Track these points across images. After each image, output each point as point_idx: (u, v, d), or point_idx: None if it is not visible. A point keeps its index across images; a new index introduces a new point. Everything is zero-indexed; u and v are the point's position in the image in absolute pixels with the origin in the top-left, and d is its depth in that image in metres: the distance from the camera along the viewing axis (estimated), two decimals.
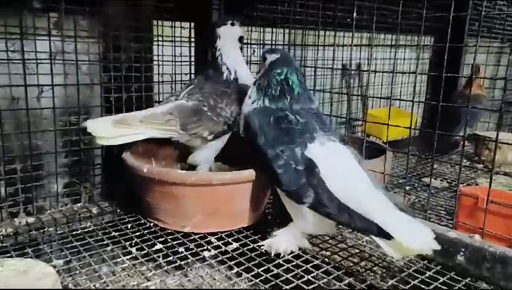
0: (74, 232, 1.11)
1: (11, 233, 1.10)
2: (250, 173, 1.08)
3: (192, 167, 1.29)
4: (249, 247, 1.07)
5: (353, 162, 1.00)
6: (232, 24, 1.30)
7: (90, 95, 1.35)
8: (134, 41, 1.39)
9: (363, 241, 1.12)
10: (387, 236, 0.83)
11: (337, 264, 1.00)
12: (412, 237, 0.83)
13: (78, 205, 1.30)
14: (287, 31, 1.61)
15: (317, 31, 1.45)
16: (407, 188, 1.54)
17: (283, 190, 0.99)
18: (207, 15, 1.51)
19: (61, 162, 1.35)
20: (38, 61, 1.19)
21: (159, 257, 1.00)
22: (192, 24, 1.54)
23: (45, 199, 1.32)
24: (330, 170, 0.94)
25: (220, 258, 1.01)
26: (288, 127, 1.02)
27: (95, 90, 1.35)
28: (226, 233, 1.13)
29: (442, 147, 1.99)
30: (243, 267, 0.97)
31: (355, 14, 1.15)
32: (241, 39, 1.41)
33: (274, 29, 1.54)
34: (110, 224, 1.17)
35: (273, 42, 1.59)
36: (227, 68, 1.30)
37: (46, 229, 1.12)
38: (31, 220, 1.17)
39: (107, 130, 1.08)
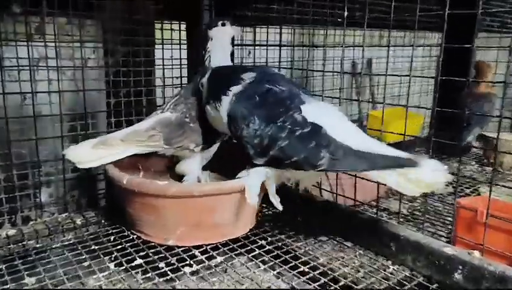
0: (54, 246, 1.07)
1: None
2: (234, 184, 1.03)
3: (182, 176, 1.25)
4: (233, 261, 1.01)
5: (342, 115, 1.00)
6: (223, 24, 1.24)
7: (77, 101, 1.31)
8: (128, 44, 1.36)
9: (364, 252, 1.06)
10: (413, 164, 0.83)
11: (334, 276, 0.94)
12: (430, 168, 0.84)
13: (63, 215, 1.25)
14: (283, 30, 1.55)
15: (314, 29, 1.39)
16: None
17: (293, 162, 0.91)
18: (197, 15, 1.46)
19: (47, 171, 1.32)
20: (20, 67, 1.15)
21: (137, 273, 0.95)
22: (183, 26, 1.49)
23: (31, 209, 1.29)
24: (333, 126, 0.92)
25: (201, 274, 0.96)
26: (277, 98, 0.99)
27: (81, 97, 1.30)
28: (212, 246, 1.07)
29: (452, 150, 1.89)
30: (224, 285, 0.92)
31: (346, 13, 1.08)
32: (232, 40, 1.36)
33: (268, 29, 1.47)
34: (92, 236, 1.12)
35: (267, 42, 1.52)
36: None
37: (25, 243, 1.08)
38: (11, 232, 1.13)
39: (87, 154, 1.06)
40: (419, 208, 1.40)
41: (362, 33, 1.14)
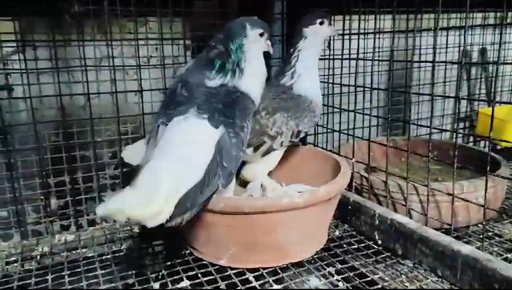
0: (104, 257, 1.00)
1: (47, 253, 1.04)
2: (293, 199, 0.86)
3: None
4: None
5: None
6: (321, 23, 1.10)
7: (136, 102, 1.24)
8: None
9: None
10: None
11: None
12: None
13: (123, 222, 1.20)
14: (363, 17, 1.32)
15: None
16: None
17: None
18: (268, 5, 1.31)
19: (111, 174, 1.28)
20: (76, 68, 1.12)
21: None
22: None
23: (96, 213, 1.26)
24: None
25: None
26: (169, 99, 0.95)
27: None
28: (269, 270, 0.92)
29: None
30: None
31: None
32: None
33: (350, 16, 1.25)
34: (144, 248, 1.04)
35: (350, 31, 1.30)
36: (294, 72, 1.09)
37: (79, 251, 1.04)
38: (70, 238, 1.11)
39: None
40: None
41: (470, 15, 0.88)
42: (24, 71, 1.05)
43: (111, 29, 1.09)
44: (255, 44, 0.97)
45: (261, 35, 0.99)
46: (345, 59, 1.23)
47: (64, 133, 1.18)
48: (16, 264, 1.00)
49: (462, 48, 1.84)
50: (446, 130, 1.66)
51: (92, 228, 1.17)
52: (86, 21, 1.15)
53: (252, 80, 0.96)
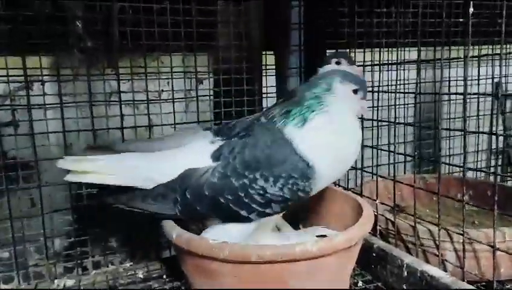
0: None
1: None
2: (307, 248, 0.76)
3: None
4: None
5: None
6: (338, 63, 1.03)
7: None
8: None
9: None
10: None
11: None
12: None
13: (128, 265, 1.12)
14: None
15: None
16: None
17: None
18: (285, 36, 1.25)
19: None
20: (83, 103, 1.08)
21: None
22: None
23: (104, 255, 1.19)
24: None
25: None
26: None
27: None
28: None
29: None
30: None
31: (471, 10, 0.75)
32: None
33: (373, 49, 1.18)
34: None
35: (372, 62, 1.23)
36: None
37: None
38: (69, 283, 1.03)
39: None
40: None
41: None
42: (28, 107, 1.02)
43: (117, 64, 1.05)
44: (343, 102, 0.81)
45: (355, 92, 0.82)
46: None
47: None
48: None
49: (495, 80, 1.74)
50: (483, 171, 1.53)
51: (94, 272, 1.09)
52: (96, 56, 1.12)
53: (317, 139, 0.79)
